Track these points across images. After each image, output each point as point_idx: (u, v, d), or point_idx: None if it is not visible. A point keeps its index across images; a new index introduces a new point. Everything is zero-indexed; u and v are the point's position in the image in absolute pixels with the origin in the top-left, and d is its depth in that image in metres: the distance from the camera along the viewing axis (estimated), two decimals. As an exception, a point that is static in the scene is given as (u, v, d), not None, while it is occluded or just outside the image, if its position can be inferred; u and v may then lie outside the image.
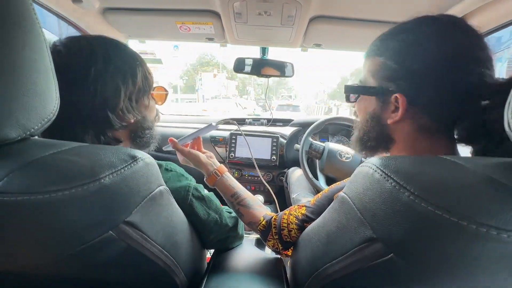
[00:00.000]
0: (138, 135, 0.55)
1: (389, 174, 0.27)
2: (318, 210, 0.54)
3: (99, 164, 0.31)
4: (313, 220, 0.53)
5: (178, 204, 0.50)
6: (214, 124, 0.74)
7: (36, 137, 0.35)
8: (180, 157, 0.72)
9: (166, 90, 0.64)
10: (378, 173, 0.29)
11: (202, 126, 0.73)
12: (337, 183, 0.55)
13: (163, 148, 0.74)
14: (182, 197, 0.54)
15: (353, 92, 0.50)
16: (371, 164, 0.31)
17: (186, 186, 0.55)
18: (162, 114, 1.85)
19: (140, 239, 0.37)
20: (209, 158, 0.71)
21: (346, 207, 0.35)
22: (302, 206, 0.58)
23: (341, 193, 0.37)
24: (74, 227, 0.28)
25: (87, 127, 0.46)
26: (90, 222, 0.29)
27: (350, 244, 0.32)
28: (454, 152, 0.41)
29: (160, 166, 0.54)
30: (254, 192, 1.55)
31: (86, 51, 0.45)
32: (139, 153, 0.37)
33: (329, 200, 0.52)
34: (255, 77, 1.34)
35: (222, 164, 0.71)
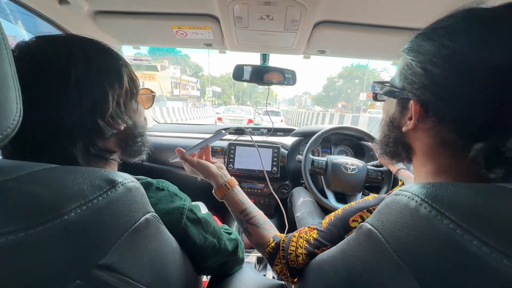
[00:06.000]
0: (129, 143, 0.49)
1: (442, 211, 0.21)
2: (331, 236, 0.48)
3: (63, 194, 0.24)
4: (326, 246, 0.47)
5: (170, 228, 0.44)
6: (224, 131, 0.70)
7: None
8: (187, 167, 0.68)
9: (152, 92, 0.58)
10: (425, 207, 0.22)
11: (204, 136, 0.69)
12: (352, 203, 0.48)
13: (169, 159, 0.71)
14: (175, 221, 0.47)
15: (373, 90, 0.47)
16: (412, 193, 0.25)
17: (179, 207, 0.48)
18: (158, 123, 1.79)
19: (119, 283, 0.29)
20: (219, 169, 0.68)
21: (374, 243, 0.28)
22: (313, 228, 0.52)
23: (366, 225, 0.31)
24: (23, 280, 0.21)
25: (75, 138, 0.40)
26: (48, 272, 0.22)
27: None
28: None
29: (150, 184, 0.48)
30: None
31: (63, 52, 0.39)
32: (120, 176, 0.31)
33: (344, 223, 0.46)
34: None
35: (233, 177, 0.67)
